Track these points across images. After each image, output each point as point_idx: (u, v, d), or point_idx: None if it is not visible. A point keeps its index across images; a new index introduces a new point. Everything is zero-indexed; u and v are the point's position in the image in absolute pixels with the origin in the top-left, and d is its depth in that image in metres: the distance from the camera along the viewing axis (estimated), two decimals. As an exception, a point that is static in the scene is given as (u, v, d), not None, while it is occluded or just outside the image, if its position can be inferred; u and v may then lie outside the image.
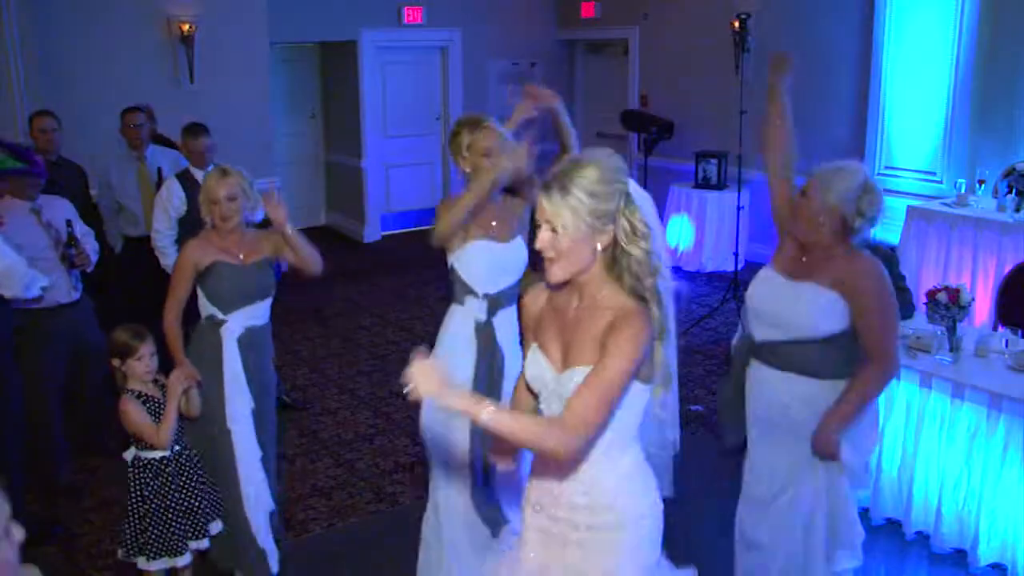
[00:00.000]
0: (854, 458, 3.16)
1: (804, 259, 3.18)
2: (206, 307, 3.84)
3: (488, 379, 3.45)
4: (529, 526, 2.42)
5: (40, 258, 4.56)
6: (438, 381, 2.01)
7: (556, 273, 2.23)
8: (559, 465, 2.29)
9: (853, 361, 3.10)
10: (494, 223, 3.57)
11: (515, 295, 3.48)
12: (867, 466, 3.43)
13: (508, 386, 3.34)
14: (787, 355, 3.15)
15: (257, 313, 3.88)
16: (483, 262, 3.49)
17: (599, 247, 2.22)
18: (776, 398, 3.21)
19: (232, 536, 3.85)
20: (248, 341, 3.82)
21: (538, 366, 2.35)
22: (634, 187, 2.29)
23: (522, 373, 2.44)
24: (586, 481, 2.30)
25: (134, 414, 3.53)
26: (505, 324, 3.51)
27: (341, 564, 4.24)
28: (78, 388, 5.10)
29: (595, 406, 2.11)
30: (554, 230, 2.19)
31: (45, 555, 4.23)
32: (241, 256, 3.81)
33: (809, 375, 3.13)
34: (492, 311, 3.50)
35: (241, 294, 3.81)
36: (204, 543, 3.71)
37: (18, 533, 1.58)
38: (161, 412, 3.58)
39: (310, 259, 3.85)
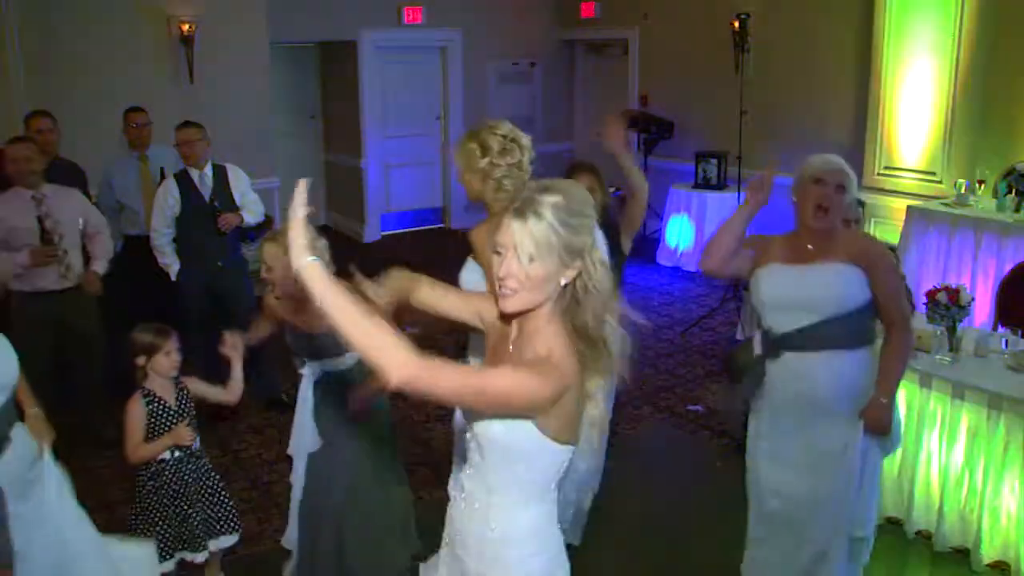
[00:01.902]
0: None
1: (810, 246, 3.27)
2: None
3: None
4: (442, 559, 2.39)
5: (30, 244, 4.79)
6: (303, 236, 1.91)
7: (513, 304, 2.05)
8: (472, 511, 2.21)
9: (869, 328, 3.27)
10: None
11: None
12: (898, 426, 3.57)
13: None
14: (819, 336, 3.20)
15: (336, 363, 3.68)
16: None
17: (562, 282, 2.05)
18: (807, 382, 3.25)
19: None
20: (327, 386, 3.68)
21: None
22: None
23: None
24: (491, 526, 2.19)
25: (132, 419, 3.55)
26: None
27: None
28: (71, 377, 5.15)
29: (457, 382, 1.95)
30: (520, 259, 2.00)
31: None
32: (308, 322, 3.56)
33: (839, 348, 3.22)
34: None
35: (312, 354, 3.69)
36: (200, 556, 3.68)
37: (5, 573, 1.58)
38: (165, 417, 3.59)
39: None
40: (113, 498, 4.75)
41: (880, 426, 3.20)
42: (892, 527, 4.35)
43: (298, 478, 3.75)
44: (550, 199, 2.00)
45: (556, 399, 2.01)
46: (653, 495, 4.82)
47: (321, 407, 3.68)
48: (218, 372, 4.71)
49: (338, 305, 1.86)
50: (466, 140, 3.32)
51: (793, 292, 3.25)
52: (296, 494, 3.77)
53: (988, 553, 4.02)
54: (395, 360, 1.84)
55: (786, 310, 3.28)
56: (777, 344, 3.33)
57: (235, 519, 3.80)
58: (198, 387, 3.76)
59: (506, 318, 2.16)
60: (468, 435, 2.22)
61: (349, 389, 3.60)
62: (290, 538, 3.84)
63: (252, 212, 5.66)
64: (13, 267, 4.79)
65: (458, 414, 2.32)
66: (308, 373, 3.72)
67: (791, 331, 3.26)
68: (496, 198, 3.26)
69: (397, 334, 1.87)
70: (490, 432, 2.09)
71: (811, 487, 3.30)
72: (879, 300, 3.19)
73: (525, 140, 3.35)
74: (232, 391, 3.76)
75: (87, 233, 5.13)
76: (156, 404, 3.59)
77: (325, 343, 3.66)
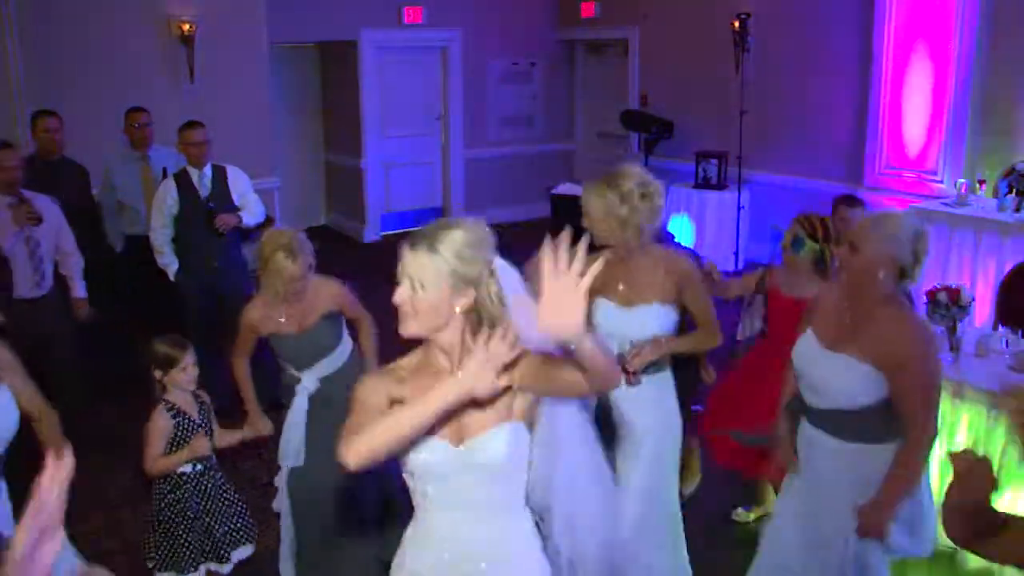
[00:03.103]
0: (903, 539, 3.03)
1: (848, 319, 2.97)
2: (282, 361, 3.86)
3: None
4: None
5: (9, 253, 4.77)
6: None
7: (410, 327, 2.15)
8: (478, 518, 2.26)
9: (884, 427, 2.96)
10: (621, 285, 3.38)
11: None
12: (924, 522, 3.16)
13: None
14: (832, 421, 3.00)
15: (330, 364, 3.84)
16: (601, 325, 3.36)
17: (458, 309, 2.14)
18: (823, 460, 3.06)
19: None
20: (324, 396, 3.75)
21: (427, 448, 2.22)
22: (500, 263, 2.19)
23: None
24: (497, 537, 2.28)
25: (154, 431, 3.52)
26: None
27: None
28: (50, 381, 5.14)
29: (378, 436, 2.05)
30: (413, 287, 2.12)
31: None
32: (296, 326, 3.74)
33: (855, 441, 2.98)
34: None
35: (306, 357, 3.78)
36: (226, 568, 3.67)
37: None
38: (189, 431, 3.57)
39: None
40: (111, 497, 4.76)
41: (869, 529, 2.95)
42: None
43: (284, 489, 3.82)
44: (447, 234, 2.12)
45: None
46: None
47: (313, 424, 3.72)
48: (215, 372, 4.72)
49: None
50: (602, 189, 3.32)
51: (808, 371, 3.06)
52: (283, 505, 3.84)
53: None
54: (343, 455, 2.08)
55: (802, 382, 3.11)
56: (801, 409, 3.15)
57: (252, 529, 3.78)
58: (226, 439, 3.77)
59: (412, 342, 2.24)
60: None
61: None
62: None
63: (252, 213, 5.65)
64: None
65: None
66: (303, 388, 3.76)
67: (808, 405, 3.09)
68: (634, 242, 3.33)
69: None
70: (498, 448, 2.18)
71: (804, 565, 3.17)
72: (895, 401, 2.89)
73: (656, 184, 3.35)
74: (220, 441, 3.75)
75: (60, 250, 5.11)
76: (181, 418, 3.56)
77: (314, 336, 3.73)
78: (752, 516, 4.55)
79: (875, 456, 2.95)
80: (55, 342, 5.01)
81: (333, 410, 3.60)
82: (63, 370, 5.08)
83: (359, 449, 2.05)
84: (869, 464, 2.95)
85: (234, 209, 5.58)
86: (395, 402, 2.20)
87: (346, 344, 3.92)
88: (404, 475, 2.28)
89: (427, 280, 2.10)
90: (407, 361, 2.29)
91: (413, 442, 2.15)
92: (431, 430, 2.13)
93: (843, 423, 2.96)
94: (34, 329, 4.87)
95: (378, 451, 2.05)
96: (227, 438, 3.75)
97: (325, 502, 3.78)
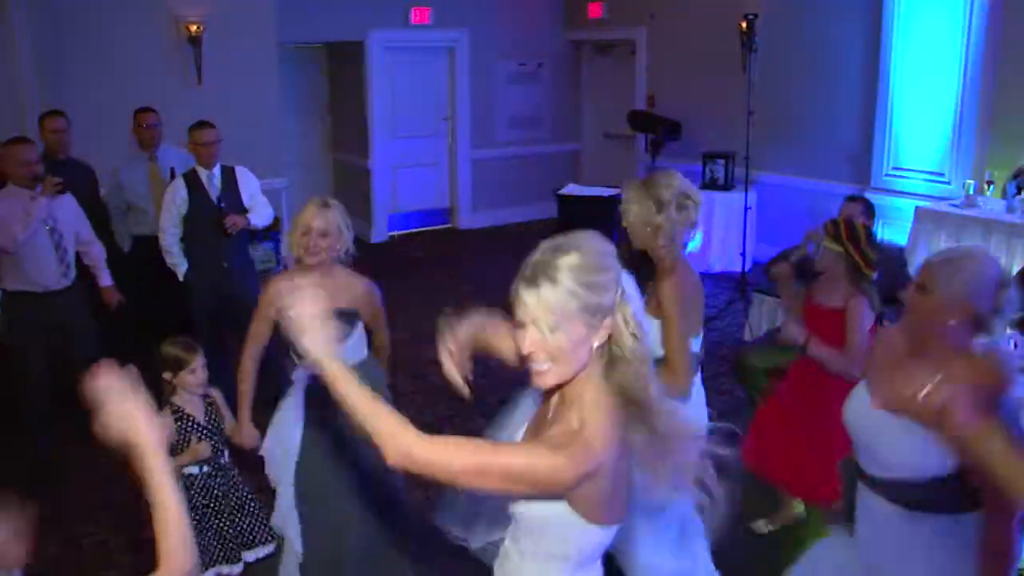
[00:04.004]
0: None
1: (910, 373, 2.37)
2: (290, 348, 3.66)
3: None
4: None
5: (34, 245, 4.83)
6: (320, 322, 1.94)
7: (550, 379, 1.89)
8: (508, 566, 2.08)
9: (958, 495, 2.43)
10: None
11: None
12: None
13: None
14: (891, 489, 2.50)
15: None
16: None
17: (595, 344, 1.88)
18: (884, 530, 2.56)
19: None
20: (320, 395, 3.49)
21: None
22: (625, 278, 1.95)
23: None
24: None
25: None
26: None
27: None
28: (71, 375, 5.18)
29: (470, 461, 1.81)
30: (541, 331, 1.84)
31: (51, 551, 4.24)
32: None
33: (920, 511, 2.46)
34: None
35: None
36: (236, 568, 3.64)
37: None
38: (190, 432, 3.58)
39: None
40: (120, 496, 4.77)
41: None
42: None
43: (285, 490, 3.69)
44: (565, 260, 1.84)
45: (582, 478, 1.82)
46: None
47: (308, 424, 3.62)
48: (222, 374, 4.72)
49: (349, 392, 1.87)
50: (641, 194, 3.23)
51: (863, 436, 2.59)
52: (282, 500, 3.71)
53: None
54: (394, 444, 1.81)
55: (855, 442, 2.65)
56: (856, 472, 2.66)
57: (270, 529, 3.75)
58: (217, 401, 3.75)
59: (548, 394, 2.00)
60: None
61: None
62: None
63: (260, 215, 5.64)
64: (28, 226, 4.78)
65: None
66: (299, 378, 3.65)
67: (862, 469, 2.61)
68: (665, 252, 3.23)
69: (400, 417, 1.85)
70: (519, 506, 1.96)
71: None
72: (972, 472, 2.32)
73: (696, 195, 3.26)
74: (234, 437, 3.73)
75: (80, 241, 5.18)
76: (184, 421, 3.57)
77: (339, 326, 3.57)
78: (773, 527, 4.41)
79: (952, 530, 2.44)
80: (78, 334, 5.09)
81: (330, 413, 3.50)
82: (85, 364, 5.12)
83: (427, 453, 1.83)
84: (942, 538, 2.45)
85: (243, 210, 5.58)
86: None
87: (356, 351, 3.70)
88: None
89: (558, 320, 1.82)
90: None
91: None
92: None
93: (906, 493, 2.46)
94: (60, 320, 4.99)
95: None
96: (228, 423, 3.73)
97: (337, 522, 3.62)
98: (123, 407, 1.88)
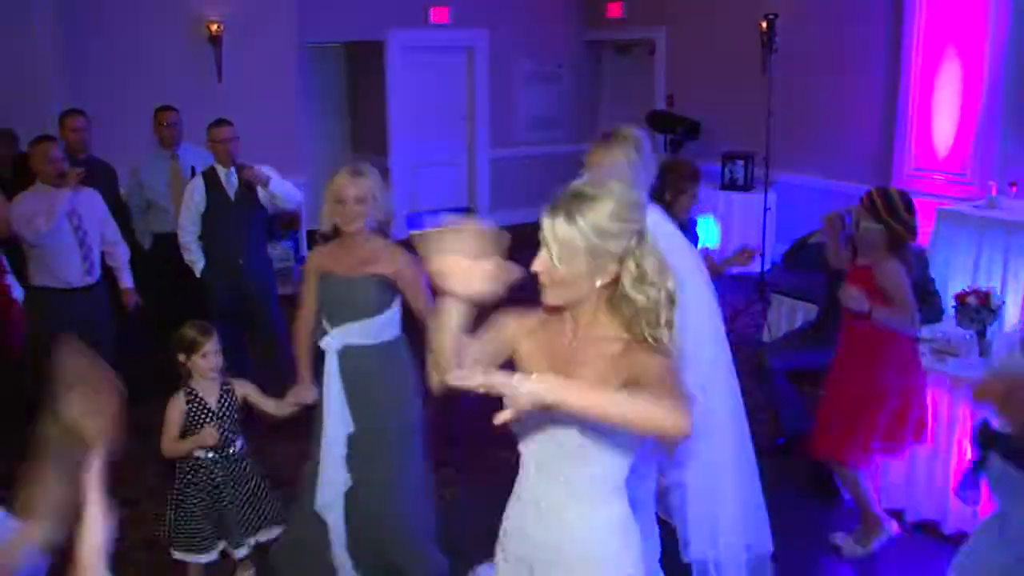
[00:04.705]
0: None
1: None
2: (321, 317, 3.67)
3: None
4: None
5: (59, 240, 4.93)
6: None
7: (550, 297, 2.06)
8: (542, 514, 2.18)
9: None
10: None
11: None
12: None
13: None
14: None
15: (363, 332, 3.58)
16: None
17: (598, 284, 2.01)
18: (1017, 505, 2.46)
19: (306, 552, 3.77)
20: (351, 362, 3.59)
21: None
22: (659, 222, 2.03)
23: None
24: (569, 529, 2.15)
25: (170, 416, 3.59)
26: None
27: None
28: None
29: (675, 398, 1.87)
30: (551, 256, 1.98)
31: (68, 548, 4.25)
32: (344, 268, 3.56)
33: None
34: None
35: (341, 307, 3.57)
36: (240, 553, 3.70)
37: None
38: (203, 418, 3.60)
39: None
40: (136, 493, 4.79)
41: None
42: (928, 531, 4.32)
43: (332, 461, 3.64)
44: (591, 203, 1.95)
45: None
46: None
47: (349, 389, 3.61)
48: (240, 370, 4.75)
49: (602, 401, 1.82)
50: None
51: None
52: (326, 477, 3.66)
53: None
54: (678, 420, 1.82)
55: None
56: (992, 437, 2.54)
57: (278, 515, 3.79)
58: (249, 393, 3.76)
59: (552, 311, 2.13)
60: (532, 442, 2.16)
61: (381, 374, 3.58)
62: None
63: (281, 183, 5.54)
64: (52, 217, 4.84)
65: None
66: (330, 346, 3.59)
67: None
68: None
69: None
70: (573, 435, 2.05)
71: None
72: None
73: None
74: (281, 408, 3.75)
75: (105, 240, 5.26)
76: (196, 404, 3.60)
77: (354, 287, 3.54)
78: (859, 549, 4.17)
79: None
80: (99, 332, 5.14)
81: (359, 387, 3.59)
82: (105, 361, 5.19)
83: (431, 371, 2.01)
84: None
85: (259, 208, 5.59)
86: (515, 350, 2.16)
87: (387, 327, 3.66)
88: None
89: (563, 252, 1.96)
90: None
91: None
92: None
93: None
94: (82, 317, 5.05)
95: (439, 368, 1.98)
96: (252, 394, 3.76)
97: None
98: (92, 399, 1.83)
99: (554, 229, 1.96)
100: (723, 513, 3.27)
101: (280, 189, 5.50)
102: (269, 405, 3.76)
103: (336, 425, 3.60)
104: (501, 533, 2.33)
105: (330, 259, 3.60)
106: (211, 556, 3.67)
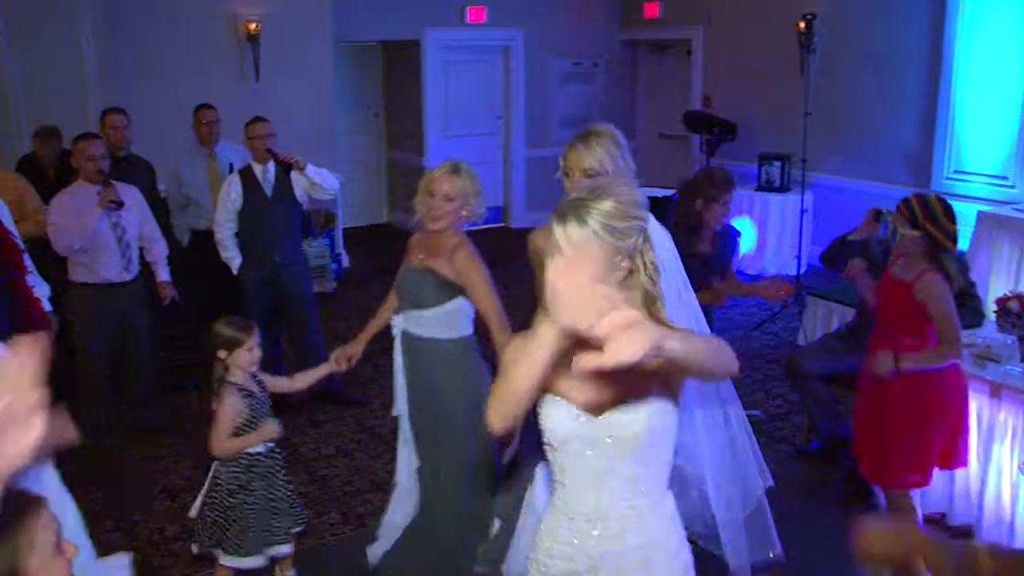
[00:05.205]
0: None
1: None
2: None
3: None
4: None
5: (97, 239, 5.00)
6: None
7: None
8: (603, 524, 2.18)
9: None
10: None
11: None
12: None
13: None
14: None
15: (416, 321, 3.60)
16: None
17: (613, 283, 2.05)
18: None
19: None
20: (410, 348, 3.66)
21: (562, 415, 2.14)
22: (652, 224, 2.09)
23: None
24: (637, 533, 2.19)
25: (226, 412, 3.55)
26: None
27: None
28: (125, 366, 5.33)
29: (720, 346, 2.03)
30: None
31: (107, 541, 4.31)
32: (415, 258, 3.60)
33: None
34: None
35: (401, 293, 3.65)
36: (287, 548, 3.70)
37: (69, 549, 1.60)
38: (259, 410, 3.62)
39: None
40: (175, 485, 4.85)
41: None
42: (967, 536, 4.26)
43: (404, 441, 3.75)
44: (598, 204, 2.02)
45: None
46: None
47: (409, 373, 3.68)
48: (275, 366, 4.80)
49: (697, 343, 1.97)
50: None
51: None
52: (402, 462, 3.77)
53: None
54: (732, 358, 2.03)
55: None
56: None
57: (302, 510, 3.83)
58: (261, 378, 3.77)
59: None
60: (575, 445, 2.15)
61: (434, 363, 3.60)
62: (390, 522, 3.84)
63: (319, 171, 5.59)
64: (85, 231, 4.93)
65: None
66: (395, 327, 3.71)
67: None
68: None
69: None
70: (636, 425, 2.09)
71: None
72: None
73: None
74: (296, 382, 3.86)
75: (144, 237, 5.31)
76: (252, 399, 3.61)
77: (414, 278, 3.56)
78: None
79: None
80: (136, 328, 5.26)
81: (415, 374, 3.67)
82: (140, 357, 5.33)
83: (495, 408, 2.04)
84: None
85: (296, 204, 5.64)
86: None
87: (439, 325, 3.58)
88: (545, 447, 2.24)
89: (577, 255, 2.00)
90: None
91: (549, 411, 2.14)
92: (569, 397, 2.11)
93: None
94: (119, 313, 5.17)
95: (508, 408, 2.01)
96: (268, 380, 3.79)
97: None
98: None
99: (567, 234, 2.01)
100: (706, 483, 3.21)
101: (318, 175, 5.55)
102: (280, 383, 3.88)
103: (401, 403, 3.74)
104: (543, 556, 2.29)
105: (414, 246, 3.67)
106: (260, 560, 3.65)
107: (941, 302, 3.59)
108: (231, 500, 3.56)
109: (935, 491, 4.34)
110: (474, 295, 3.50)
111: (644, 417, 2.09)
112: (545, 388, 2.13)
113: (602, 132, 3.14)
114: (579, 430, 2.13)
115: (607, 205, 2.01)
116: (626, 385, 2.06)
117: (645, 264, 2.10)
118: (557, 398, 2.15)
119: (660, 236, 2.11)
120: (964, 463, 3.96)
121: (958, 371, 3.81)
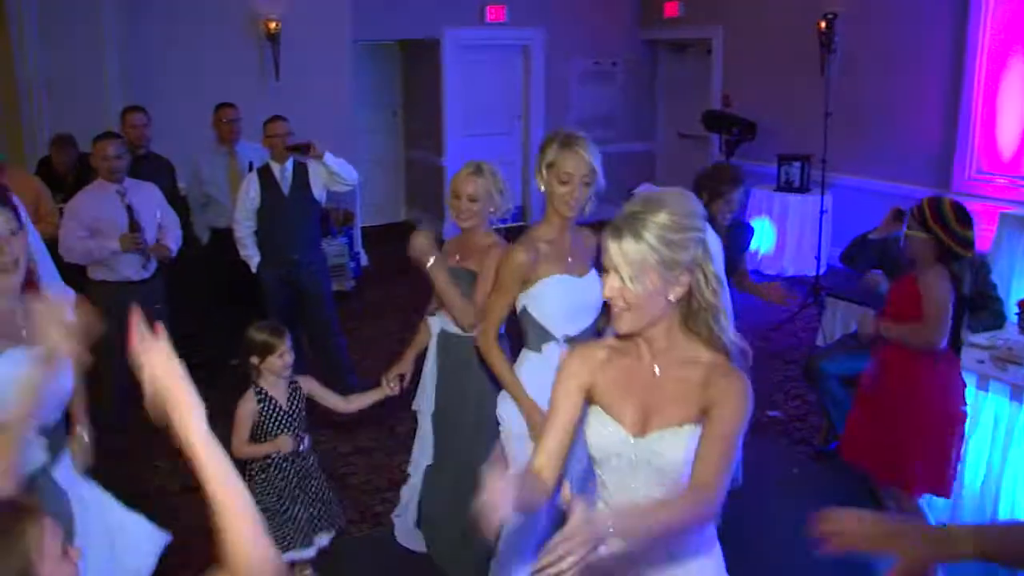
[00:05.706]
0: None
1: None
2: None
3: None
4: None
5: (115, 236, 5.02)
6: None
7: (625, 324, 2.02)
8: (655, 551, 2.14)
9: None
10: (569, 257, 3.17)
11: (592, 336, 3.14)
12: None
13: None
14: None
15: (450, 319, 3.67)
16: (561, 300, 3.14)
17: (672, 298, 2.00)
18: None
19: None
20: (444, 344, 3.74)
21: (606, 431, 2.13)
22: (709, 233, 2.06)
23: (549, 425, 2.17)
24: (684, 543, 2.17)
25: (241, 416, 3.56)
26: None
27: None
28: None
29: (723, 468, 1.98)
30: (622, 279, 1.97)
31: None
32: (455, 259, 3.67)
33: None
34: None
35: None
36: (308, 553, 3.68)
37: (75, 553, 1.60)
38: (275, 418, 3.60)
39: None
40: (193, 483, 4.86)
41: None
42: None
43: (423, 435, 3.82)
44: (653, 217, 1.95)
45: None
46: (728, 501, 4.74)
47: (440, 368, 3.73)
48: (294, 365, 4.79)
49: (663, 518, 1.97)
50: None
51: None
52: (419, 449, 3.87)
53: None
54: (704, 513, 2.01)
55: None
56: None
57: (339, 516, 3.81)
58: (314, 388, 3.75)
59: (625, 338, 2.11)
60: (616, 462, 2.15)
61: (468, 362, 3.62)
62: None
63: (338, 161, 5.55)
64: (102, 252, 4.99)
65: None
66: (433, 327, 3.76)
67: None
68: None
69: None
70: (673, 451, 2.07)
71: None
72: None
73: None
74: (351, 404, 3.81)
75: (160, 225, 5.32)
76: (268, 404, 3.59)
77: (451, 277, 3.58)
78: None
79: None
80: (154, 322, 5.23)
81: (450, 373, 3.73)
82: None
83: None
84: None
85: (314, 203, 5.65)
86: (588, 389, 2.14)
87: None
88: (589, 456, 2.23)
89: (635, 272, 1.95)
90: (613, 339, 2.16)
91: (594, 425, 2.14)
92: (614, 414, 2.11)
93: None
94: (138, 307, 5.11)
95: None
96: (317, 390, 3.77)
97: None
98: (164, 365, 1.77)
99: (622, 250, 1.95)
100: None
101: (336, 163, 5.53)
102: (333, 401, 3.79)
103: (428, 401, 3.80)
104: None
105: (451, 248, 3.76)
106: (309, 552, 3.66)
107: (935, 290, 3.63)
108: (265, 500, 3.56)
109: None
110: (477, 282, 3.55)
111: (684, 440, 2.06)
112: (590, 399, 2.15)
113: (579, 136, 3.15)
114: (619, 447, 2.11)
115: (663, 217, 1.95)
116: (674, 407, 2.06)
117: (707, 277, 2.01)
118: (602, 412, 2.14)
119: (716, 247, 2.06)
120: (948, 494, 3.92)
121: (951, 370, 3.83)
